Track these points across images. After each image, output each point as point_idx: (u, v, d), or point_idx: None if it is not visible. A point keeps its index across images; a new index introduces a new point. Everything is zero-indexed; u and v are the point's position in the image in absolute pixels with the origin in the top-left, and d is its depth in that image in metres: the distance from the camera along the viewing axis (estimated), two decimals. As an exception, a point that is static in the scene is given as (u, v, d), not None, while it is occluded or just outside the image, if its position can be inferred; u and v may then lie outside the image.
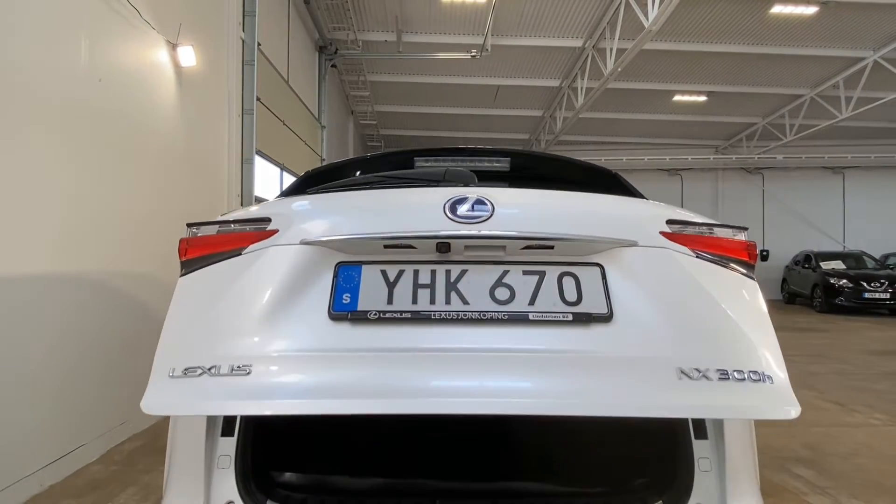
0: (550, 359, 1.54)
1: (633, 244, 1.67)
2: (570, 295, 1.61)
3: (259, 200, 7.24)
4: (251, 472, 1.79)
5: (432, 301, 1.59)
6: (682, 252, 1.69)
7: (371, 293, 1.61)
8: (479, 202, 1.65)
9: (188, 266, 1.75)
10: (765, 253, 19.97)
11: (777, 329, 1.64)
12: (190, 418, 1.79)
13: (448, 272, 1.64)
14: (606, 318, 1.58)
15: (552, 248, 1.65)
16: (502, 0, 10.10)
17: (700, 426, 1.83)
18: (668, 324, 1.59)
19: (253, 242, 1.70)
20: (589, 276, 1.64)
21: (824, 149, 18.46)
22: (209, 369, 1.47)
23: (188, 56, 5.11)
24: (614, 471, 2.08)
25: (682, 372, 1.47)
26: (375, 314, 1.58)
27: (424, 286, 1.61)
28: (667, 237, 1.71)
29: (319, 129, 12.09)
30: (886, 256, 17.26)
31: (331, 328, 1.57)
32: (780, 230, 19.77)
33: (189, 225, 1.82)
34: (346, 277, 1.65)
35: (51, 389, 3.49)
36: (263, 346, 1.55)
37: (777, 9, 10.34)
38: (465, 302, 1.59)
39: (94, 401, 3.89)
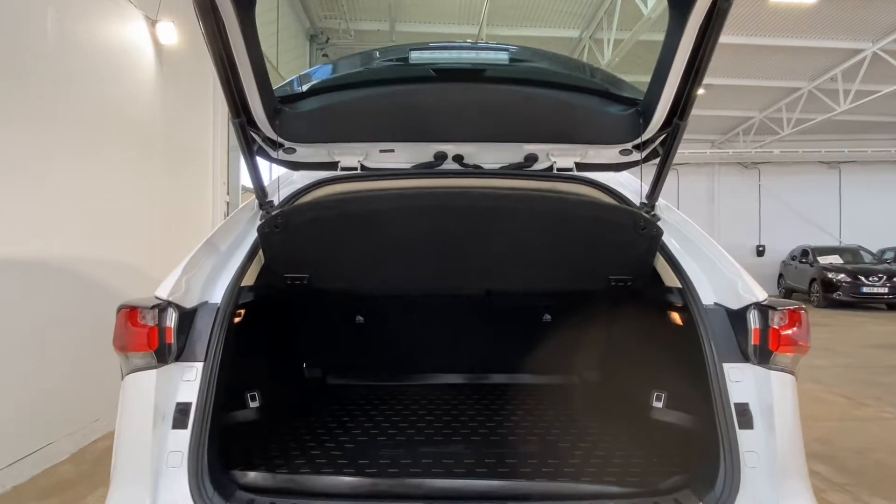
0: None
1: None
2: None
3: (246, 190, 6.99)
4: (207, 472, 1.55)
5: None
6: None
7: None
8: None
9: None
10: (761, 248, 19.89)
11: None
12: (136, 405, 1.55)
13: None
14: None
15: None
16: (497, -12, 9.89)
17: (745, 413, 1.60)
18: None
19: None
20: None
21: (821, 143, 18.31)
22: None
23: (169, 33, 4.85)
24: (645, 468, 1.85)
25: None
26: None
27: None
28: None
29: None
30: (883, 251, 17.14)
31: None
32: (776, 225, 19.63)
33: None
34: None
35: (17, 384, 3.24)
36: None
37: (776, -2, 10.17)
38: None
39: (65, 397, 3.64)
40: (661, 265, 2.16)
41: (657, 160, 2.14)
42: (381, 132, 2.28)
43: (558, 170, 2.41)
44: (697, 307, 1.81)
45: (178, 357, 1.65)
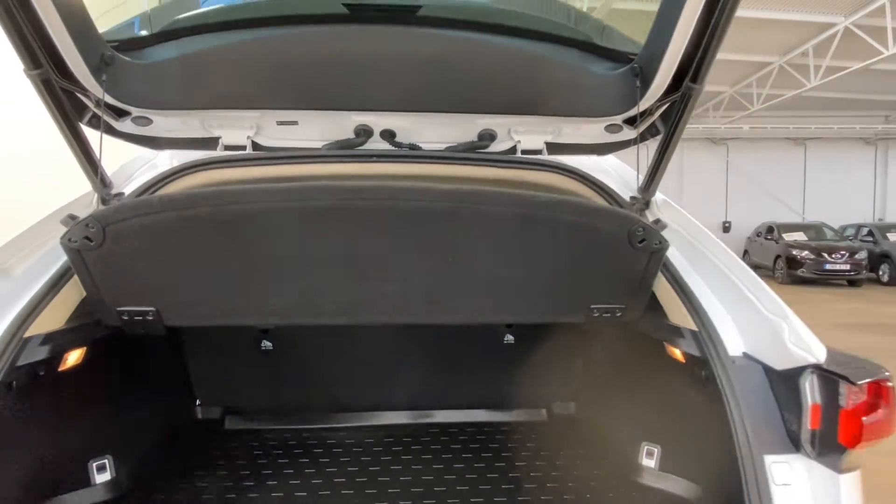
0: None
1: None
2: None
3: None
4: None
5: None
6: None
7: None
8: None
9: None
10: (727, 225, 19.97)
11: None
12: None
13: None
14: None
15: None
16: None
17: None
18: None
19: None
20: None
21: (789, 119, 18.31)
22: None
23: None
24: None
25: None
26: None
27: None
28: None
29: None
30: (844, 228, 17.41)
31: None
32: (742, 202, 19.74)
33: None
34: None
35: None
36: None
37: (752, -33, 9.83)
38: None
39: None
40: (662, 288, 1.66)
41: (655, 139, 1.67)
42: (276, 96, 1.66)
43: (523, 152, 1.88)
44: (723, 364, 1.31)
45: None
